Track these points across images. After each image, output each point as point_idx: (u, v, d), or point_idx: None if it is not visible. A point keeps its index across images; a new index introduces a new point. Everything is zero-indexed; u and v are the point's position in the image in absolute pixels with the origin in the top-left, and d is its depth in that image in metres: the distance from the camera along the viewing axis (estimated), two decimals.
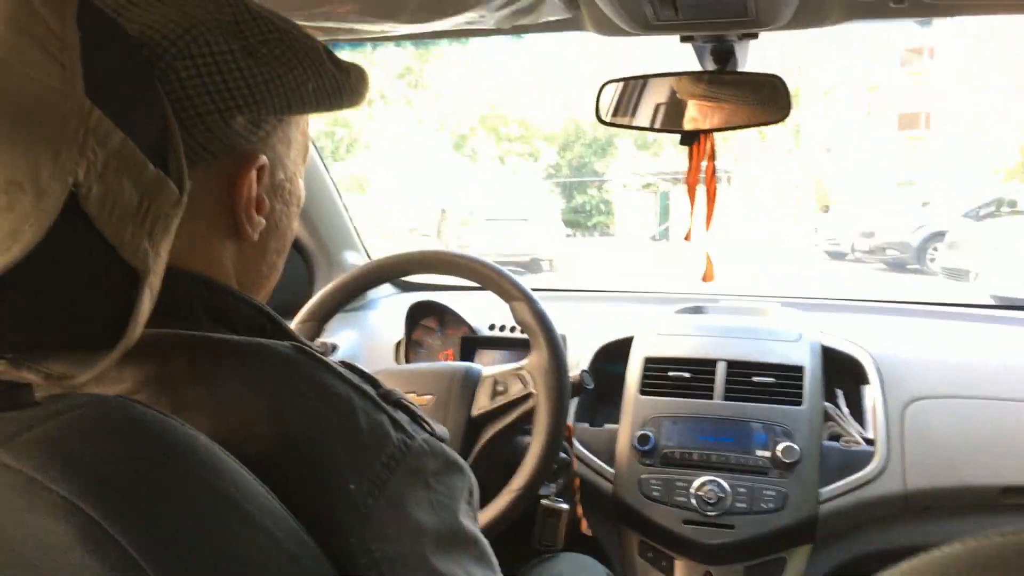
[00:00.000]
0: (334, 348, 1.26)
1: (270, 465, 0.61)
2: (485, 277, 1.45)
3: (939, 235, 11.34)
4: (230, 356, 0.66)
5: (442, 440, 0.72)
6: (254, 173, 0.71)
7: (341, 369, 0.68)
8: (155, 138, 0.57)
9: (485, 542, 0.71)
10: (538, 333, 1.40)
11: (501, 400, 1.40)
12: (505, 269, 1.44)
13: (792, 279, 11.52)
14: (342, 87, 0.74)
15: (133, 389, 0.64)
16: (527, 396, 1.39)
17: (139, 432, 0.56)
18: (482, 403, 1.42)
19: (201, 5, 0.67)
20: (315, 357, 0.68)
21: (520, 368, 1.42)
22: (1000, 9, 1.16)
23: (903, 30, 24.12)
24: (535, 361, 1.40)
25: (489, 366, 1.48)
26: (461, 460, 0.72)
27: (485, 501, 1.33)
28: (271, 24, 0.70)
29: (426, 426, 0.71)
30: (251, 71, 0.67)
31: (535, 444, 1.34)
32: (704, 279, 1.46)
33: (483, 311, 1.88)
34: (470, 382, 1.44)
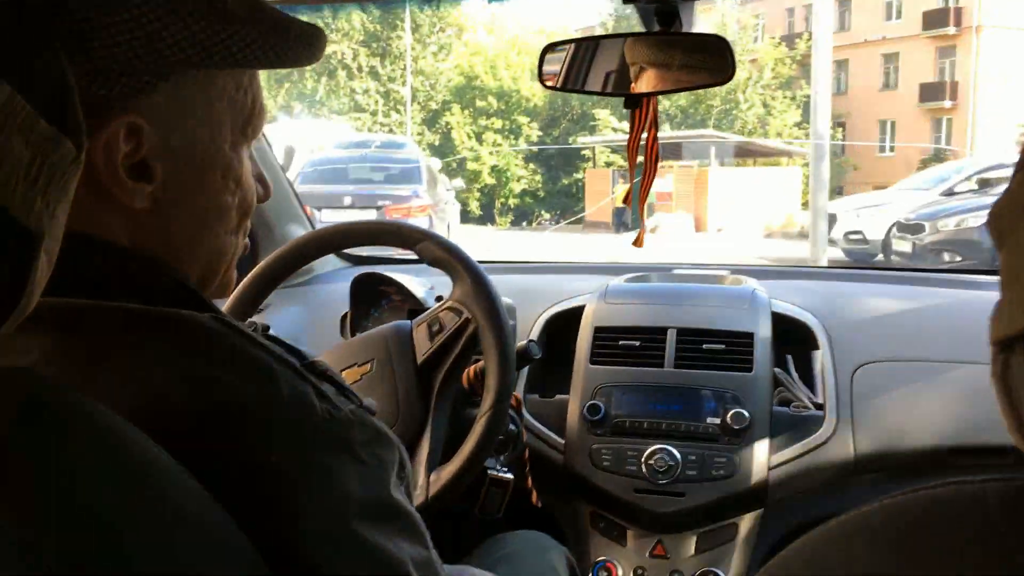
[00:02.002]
0: (265, 328, 1.22)
1: (188, 439, 0.58)
2: (381, 233, 1.44)
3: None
4: (143, 327, 0.62)
5: (370, 412, 0.69)
6: (120, 135, 0.63)
7: (262, 340, 0.65)
8: (49, 92, 0.53)
9: (417, 516, 0.69)
10: (453, 264, 1.38)
11: (441, 337, 1.37)
12: (402, 220, 1.42)
13: None
14: (258, 41, 0.66)
15: (40, 361, 0.61)
16: (466, 322, 1.35)
17: (38, 407, 0.52)
18: (423, 348, 1.38)
19: None
20: (235, 327, 0.65)
21: (448, 302, 1.39)
22: None
23: None
24: (461, 291, 1.37)
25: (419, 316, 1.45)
26: (390, 432, 0.70)
27: (451, 453, 1.32)
28: None
29: (353, 398, 0.68)
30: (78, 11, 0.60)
31: (489, 369, 1.32)
32: (635, 244, 1.44)
33: (433, 285, 1.85)
34: (403, 335, 1.41)
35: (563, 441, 1.63)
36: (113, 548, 0.51)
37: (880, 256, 11.60)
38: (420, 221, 10.25)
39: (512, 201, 25.65)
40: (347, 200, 11.09)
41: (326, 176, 12.08)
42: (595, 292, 1.84)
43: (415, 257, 1.45)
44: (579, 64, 1.41)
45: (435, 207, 11.77)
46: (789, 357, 1.71)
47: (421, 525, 0.69)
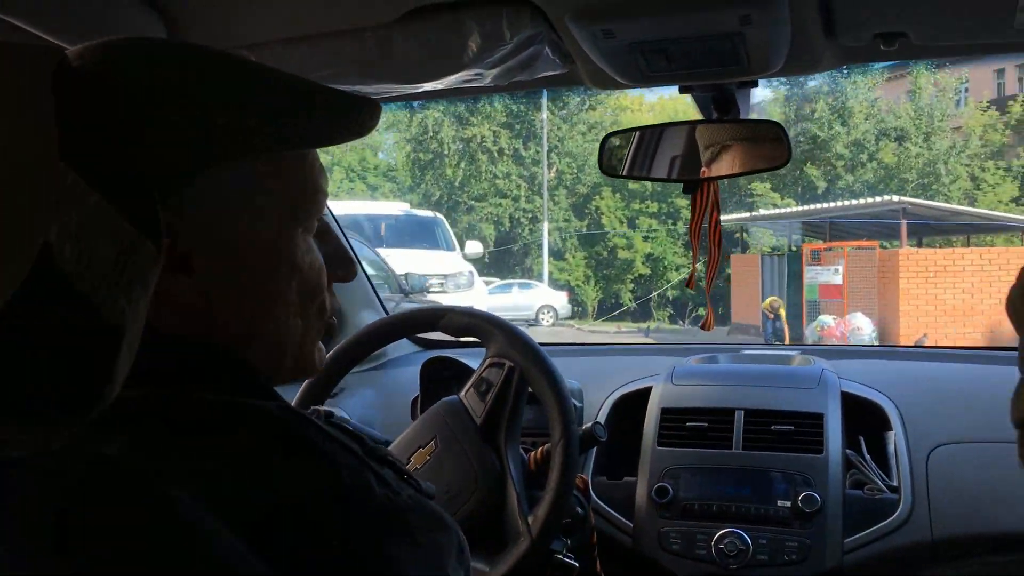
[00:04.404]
0: (328, 415, 1.27)
1: (257, 528, 0.60)
2: (414, 322, 1.55)
3: None
4: (214, 417, 0.65)
5: (429, 496, 0.72)
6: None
7: (327, 427, 0.69)
8: (132, 196, 0.58)
9: None
10: (480, 326, 1.46)
11: (491, 393, 1.41)
12: (421, 305, 1.48)
13: None
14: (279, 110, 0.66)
15: (123, 449, 0.62)
16: (510, 371, 1.40)
17: (124, 495, 0.56)
18: (478, 409, 1.42)
19: None
20: (299, 416, 0.68)
21: (488, 360, 1.44)
22: (983, 50, 1.17)
23: None
24: (496, 346, 1.43)
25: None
26: (448, 517, 0.72)
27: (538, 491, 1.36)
28: None
29: (412, 483, 0.70)
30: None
31: (547, 404, 1.36)
32: (703, 327, 1.45)
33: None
34: (455, 405, 1.45)
35: (631, 524, 1.62)
36: None
37: None
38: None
39: (671, 293, 23.51)
40: None
41: None
42: (662, 373, 1.84)
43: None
44: (642, 151, 1.45)
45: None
46: (861, 439, 1.69)
47: None
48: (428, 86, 1.19)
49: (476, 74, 1.17)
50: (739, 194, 23.33)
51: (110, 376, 0.56)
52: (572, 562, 1.42)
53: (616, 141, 1.47)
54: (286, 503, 0.62)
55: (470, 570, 0.75)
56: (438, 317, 1.51)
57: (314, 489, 0.63)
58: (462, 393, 1.47)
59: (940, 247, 18.15)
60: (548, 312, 21.23)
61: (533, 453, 1.46)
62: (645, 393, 1.80)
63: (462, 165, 26.14)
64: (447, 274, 11.52)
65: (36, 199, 0.51)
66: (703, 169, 1.39)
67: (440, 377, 1.85)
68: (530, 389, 1.41)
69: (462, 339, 1.60)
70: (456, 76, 1.16)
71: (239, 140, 0.64)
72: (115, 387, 0.57)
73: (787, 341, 12.59)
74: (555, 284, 23.97)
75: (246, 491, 0.62)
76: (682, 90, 1.31)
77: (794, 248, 18.51)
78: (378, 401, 1.99)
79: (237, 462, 0.63)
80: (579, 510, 1.50)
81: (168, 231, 0.61)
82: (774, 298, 13.98)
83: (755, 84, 1.29)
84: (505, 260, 26.47)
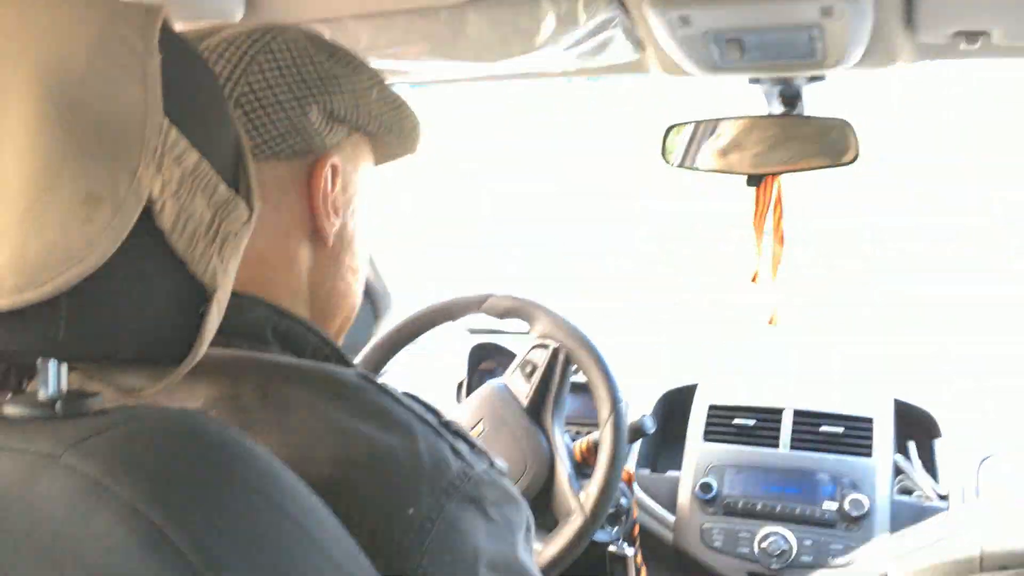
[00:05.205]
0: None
1: (331, 487, 0.61)
2: (456, 309, 1.56)
3: None
4: (297, 380, 0.67)
5: (502, 473, 0.72)
6: (329, 171, 0.75)
7: (403, 397, 0.69)
8: (228, 158, 0.59)
9: None
10: (524, 308, 1.49)
11: (537, 375, 1.43)
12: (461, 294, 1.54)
13: None
14: (399, 109, 0.81)
15: (204, 407, 0.65)
16: (555, 352, 1.42)
17: (205, 444, 0.56)
18: (523, 391, 1.44)
19: (278, 27, 0.75)
20: (378, 384, 0.69)
21: (533, 343, 1.46)
22: None
23: None
24: (540, 327, 1.45)
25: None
26: (519, 494, 0.72)
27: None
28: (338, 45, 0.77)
29: (486, 458, 0.70)
30: (323, 64, 0.74)
31: (594, 383, 1.38)
32: (769, 323, 1.44)
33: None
34: (500, 388, 1.48)
35: (673, 519, 1.61)
36: None
37: None
38: None
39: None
40: None
41: None
42: (710, 368, 1.83)
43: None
44: (705, 143, 1.44)
45: None
46: (911, 444, 1.66)
47: None
48: (499, 68, 1.19)
49: (547, 57, 1.16)
50: None
51: (200, 333, 0.57)
52: (627, 551, 1.42)
53: (678, 131, 1.45)
54: (362, 463, 0.63)
55: (532, 549, 0.76)
56: (481, 301, 1.52)
57: (390, 455, 0.64)
58: (506, 375, 1.47)
59: None
60: None
61: (579, 443, 1.45)
62: (693, 388, 1.79)
63: None
64: None
65: (140, 154, 0.51)
66: (767, 164, 1.37)
67: (485, 362, 1.86)
68: (576, 370, 1.42)
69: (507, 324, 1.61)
70: (527, 58, 1.15)
71: (380, 120, 0.79)
72: (204, 344, 0.57)
73: None
74: None
75: (321, 448, 0.63)
76: (751, 82, 1.30)
77: None
78: (425, 383, 1.99)
79: (314, 421, 0.64)
80: (623, 501, 1.50)
81: (335, 174, 0.75)
82: None
83: (823, 79, 1.27)
84: None
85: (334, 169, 0.75)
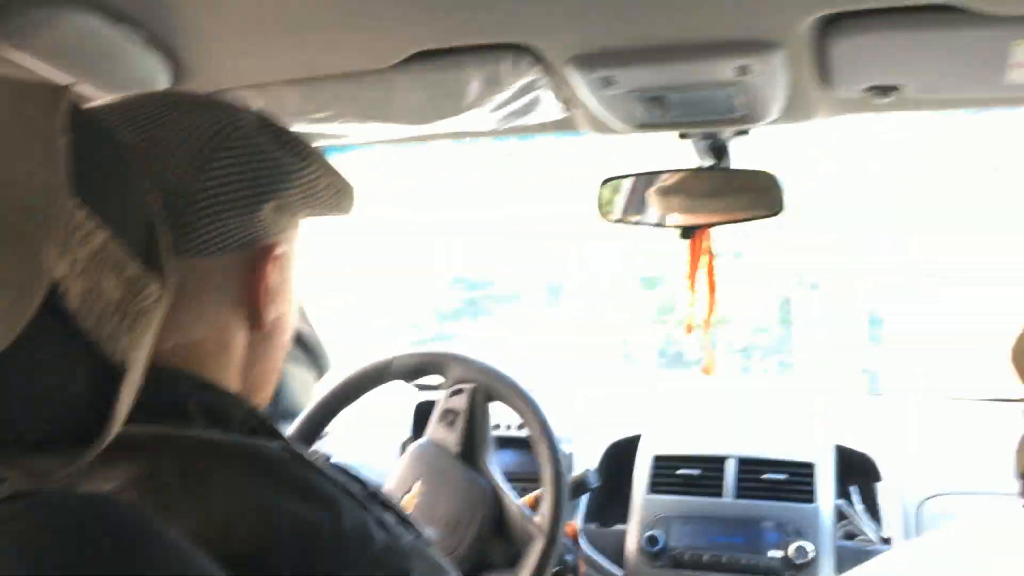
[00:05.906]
0: (327, 457, 1.26)
1: (254, 564, 0.59)
2: (376, 374, 1.53)
3: None
4: (217, 457, 0.65)
5: (430, 543, 0.71)
6: (275, 263, 0.73)
7: (328, 469, 0.68)
8: (141, 234, 0.58)
9: None
10: (429, 360, 1.50)
11: (460, 421, 1.43)
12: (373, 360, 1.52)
13: None
14: (342, 191, 0.79)
15: (121, 487, 0.63)
16: (473, 392, 1.43)
17: (114, 534, 0.55)
18: (451, 440, 1.44)
19: (229, 111, 0.72)
20: (302, 458, 0.68)
21: (448, 391, 1.47)
22: (976, 104, 1.19)
23: None
24: (453, 374, 1.47)
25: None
26: (447, 564, 0.71)
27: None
28: (285, 127, 0.76)
29: (412, 529, 0.70)
30: (277, 159, 0.72)
31: (521, 411, 1.39)
32: (704, 371, 1.45)
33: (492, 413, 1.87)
34: (426, 444, 1.48)
35: (622, 573, 1.60)
36: None
37: None
38: None
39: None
40: None
41: None
42: (654, 419, 1.83)
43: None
44: (637, 197, 1.46)
45: None
46: (853, 489, 1.68)
47: None
48: (428, 129, 1.20)
49: (475, 118, 1.17)
50: None
51: (111, 413, 0.56)
52: None
53: (611, 186, 1.47)
54: (284, 539, 0.61)
55: None
56: (386, 367, 1.51)
57: (313, 530, 0.63)
58: (428, 430, 1.47)
59: None
60: None
61: (523, 500, 1.44)
62: (637, 439, 1.79)
63: None
64: None
65: (45, 236, 0.50)
66: (698, 216, 1.40)
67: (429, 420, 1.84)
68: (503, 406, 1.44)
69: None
70: (456, 119, 1.17)
71: (321, 195, 0.77)
72: (115, 424, 0.56)
73: None
74: None
75: (241, 526, 0.61)
76: (681, 136, 1.32)
77: None
78: (367, 444, 1.97)
79: (235, 499, 0.63)
80: (568, 557, 1.49)
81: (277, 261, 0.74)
82: None
83: (746, 133, 1.31)
84: None
85: (278, 260, 0.74)
